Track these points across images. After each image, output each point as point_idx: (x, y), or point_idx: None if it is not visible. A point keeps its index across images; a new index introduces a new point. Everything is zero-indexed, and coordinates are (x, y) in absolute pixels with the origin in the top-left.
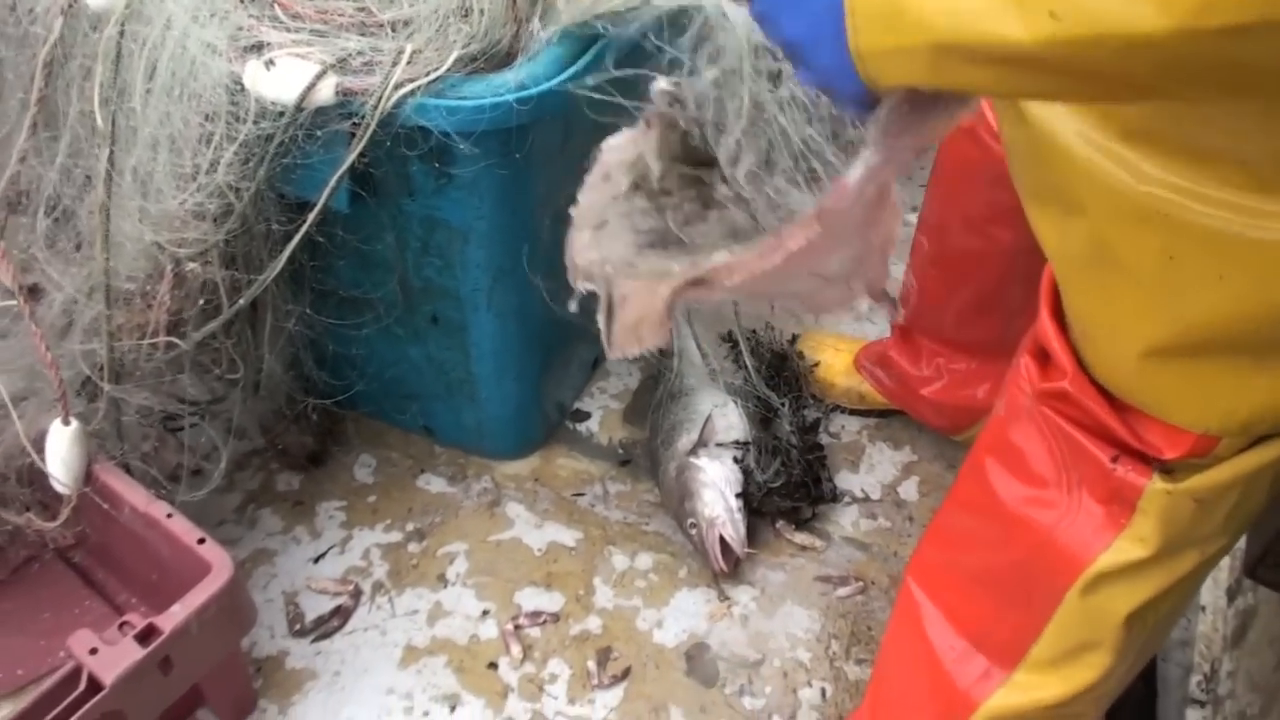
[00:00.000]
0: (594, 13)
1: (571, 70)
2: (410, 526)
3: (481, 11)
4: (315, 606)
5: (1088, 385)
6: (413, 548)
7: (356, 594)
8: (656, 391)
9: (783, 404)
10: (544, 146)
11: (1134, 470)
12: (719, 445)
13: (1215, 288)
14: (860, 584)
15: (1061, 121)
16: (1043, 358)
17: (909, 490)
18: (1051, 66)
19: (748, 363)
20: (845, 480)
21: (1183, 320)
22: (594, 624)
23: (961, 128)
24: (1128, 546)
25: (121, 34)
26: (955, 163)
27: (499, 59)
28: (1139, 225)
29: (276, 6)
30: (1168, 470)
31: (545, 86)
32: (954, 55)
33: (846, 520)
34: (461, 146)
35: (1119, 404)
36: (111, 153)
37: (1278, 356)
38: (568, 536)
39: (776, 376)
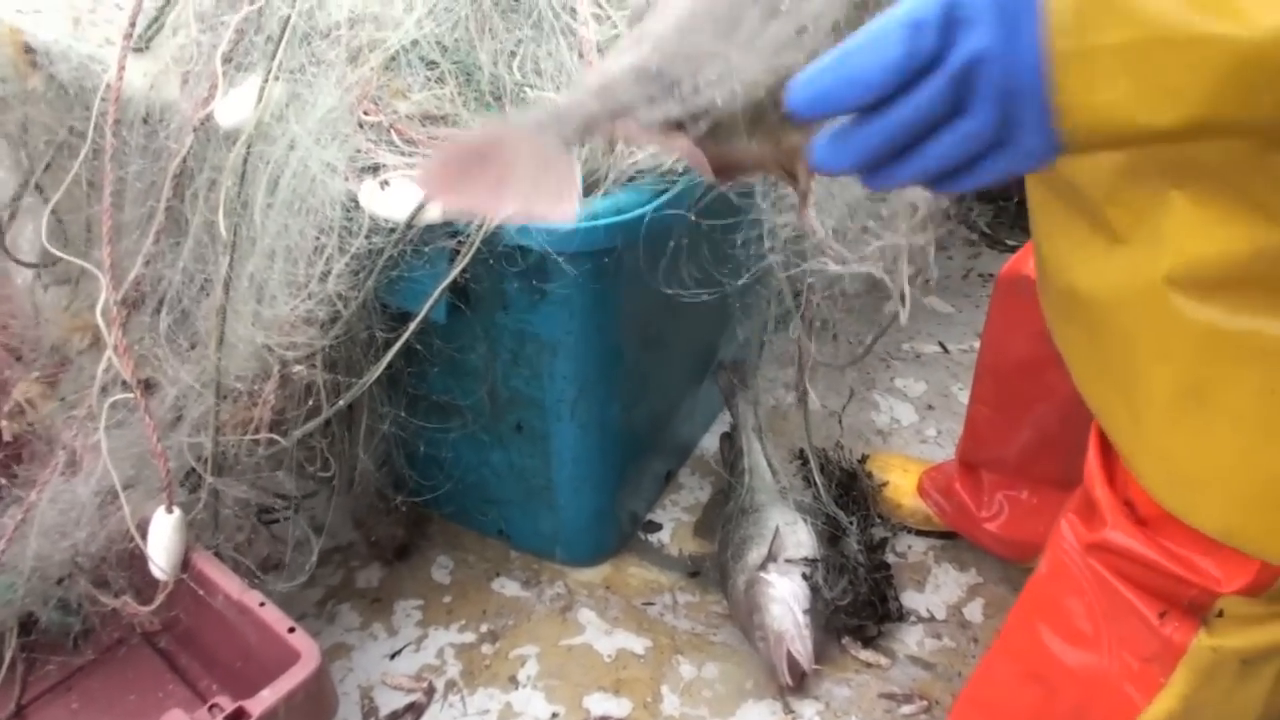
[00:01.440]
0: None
1: (659, 199)
2: (484, 628)
3: (582, 143)
4: (390, 702)
5: (1133, 528)
6: (486, 649)
7: (430, 691)
8: (727, 506)
9: (851, 522)
10: (632, 269)
11: (1181, 626)
12: (788, 561)
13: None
14: (924, 703)
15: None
16: (1087, 513)
17: (973, 612)
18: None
19: (817, 480)
20: (911, 600)
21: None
22: None
23: (1017, 296)
24: (1169, 703)
25: (248, 152)
26: (1007, 311)
27: (593, 186)
28: (1238, 365)
29: (393, 132)
30: (1214, 625)
31: (634, 213)
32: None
33: (911, 639)
34: (556, 264)
35: (1170, 543)
36: (231, 260)
37: None
38: (637, 644)
39: (845, 495)
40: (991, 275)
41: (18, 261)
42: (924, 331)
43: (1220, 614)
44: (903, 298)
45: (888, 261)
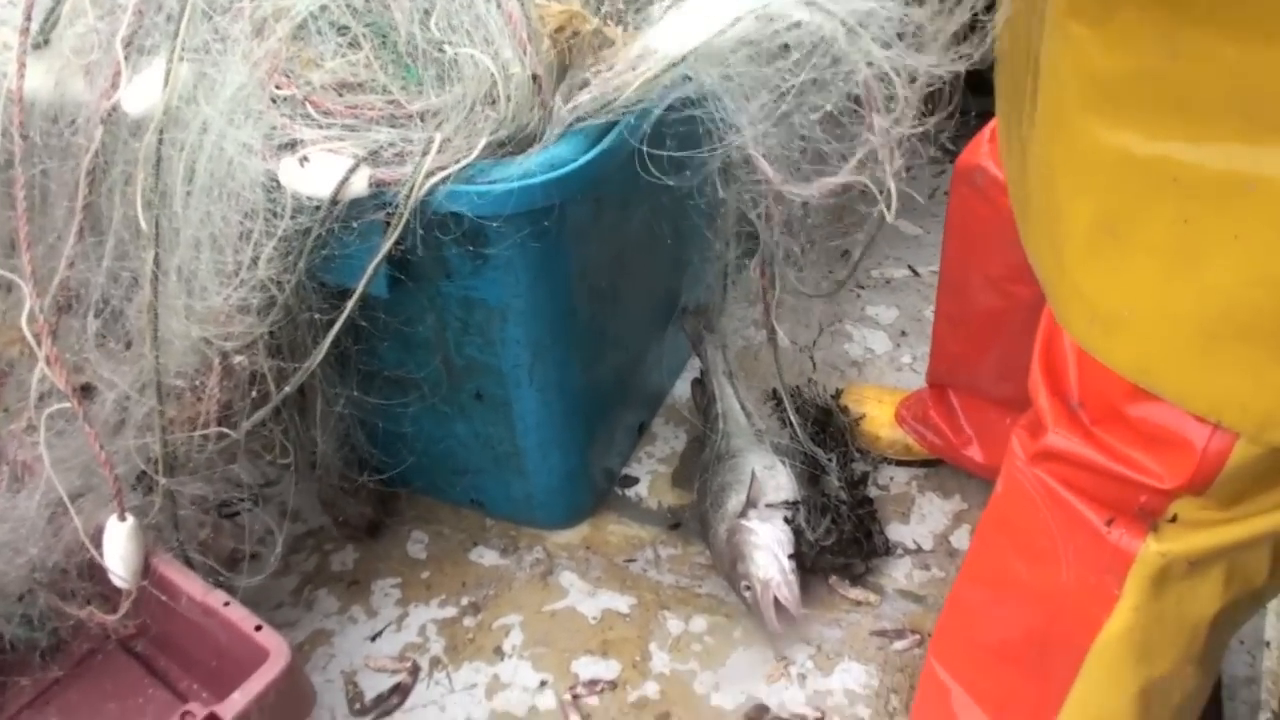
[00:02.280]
0: (607, 108)
1: (595, 151)
2: (465, 600)
3: (508, 98)
4: (374, 685)
5: (1075, 429)
6: (468, 621)
7: (415, 671)
8: (703, 454)
9: (830, 459)
10: (575, 224)
11: (1129, 533)
12: (769, 506)
13: (1231, 249)
14: (917, 636)
15: (1073, 116)
16: (1034, 425)
17: (961, 539)
18: None
19: (792, 420)
20: (896, 532)
21: (1202, 288)
22: (651, 690)
23: (972, 186)
24: (1126, 615)
25: (160, 139)
26: (968, 223)
27: (526, 141)
28: (1150, 194)
29: (308, 104)
30: (1164, 530)
31: (570, 168)
32: None
33: (900, 573)
34: (494, 228)
35: (1116, 441)
36: (156, 254)
37: None
38: (621, 603)
39: (822, 432)
40: None
41: None
42: (892, 256)
43: (1174, 519)
44: (888, 200)
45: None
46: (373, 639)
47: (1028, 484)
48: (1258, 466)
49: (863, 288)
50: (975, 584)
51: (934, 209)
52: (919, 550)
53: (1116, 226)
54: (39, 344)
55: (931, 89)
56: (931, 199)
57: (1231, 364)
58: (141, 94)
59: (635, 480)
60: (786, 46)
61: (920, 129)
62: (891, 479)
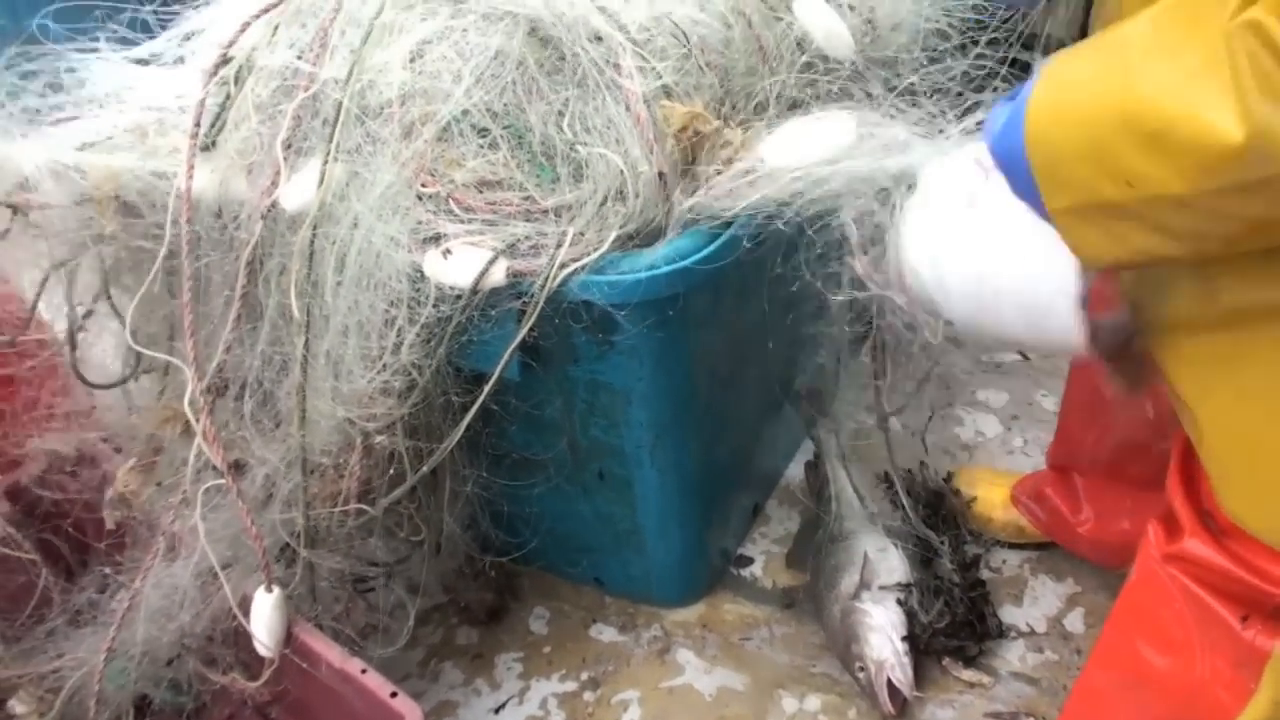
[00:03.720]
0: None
1: (715, 244)
2: (585, 675)
3: (636, 194)
4: None
5: (1209, 539)
6: (588, 696)
7: None
8: (816, 535)
9: (942, 542)
10: (696, 312)
11: (1263, 631)
12: (882, 588)
13: None
14: (1030, 719)
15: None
16: (1170, 522)
17: (1074, 622)
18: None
19: (904, 502)
20: (1009, 615)
21: None
22: None
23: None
24: (1261, 709)
25: (314, 234)
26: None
27: (652, 235)
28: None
29: (451, 201)
30: None
31: (692, 259)
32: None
33: (1013, 655)
34: (621, 316)
35: (1247, 554)
36: (307, 340)
37: None
38: (737, 681)
39: (934, 515)
40: None
41: (87, 383)
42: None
43: None
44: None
45: None
46: (496, 711)
47: (1163, 577)
48: None
49: (974, 372)
50: (1106, 670)
51: None
52: (1032, 633)
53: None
54: (197, 422)
55: None
56: None
57: None
58: (298, 192)
59: (750, 560)
60: None
61: None
62: (1004, 562)
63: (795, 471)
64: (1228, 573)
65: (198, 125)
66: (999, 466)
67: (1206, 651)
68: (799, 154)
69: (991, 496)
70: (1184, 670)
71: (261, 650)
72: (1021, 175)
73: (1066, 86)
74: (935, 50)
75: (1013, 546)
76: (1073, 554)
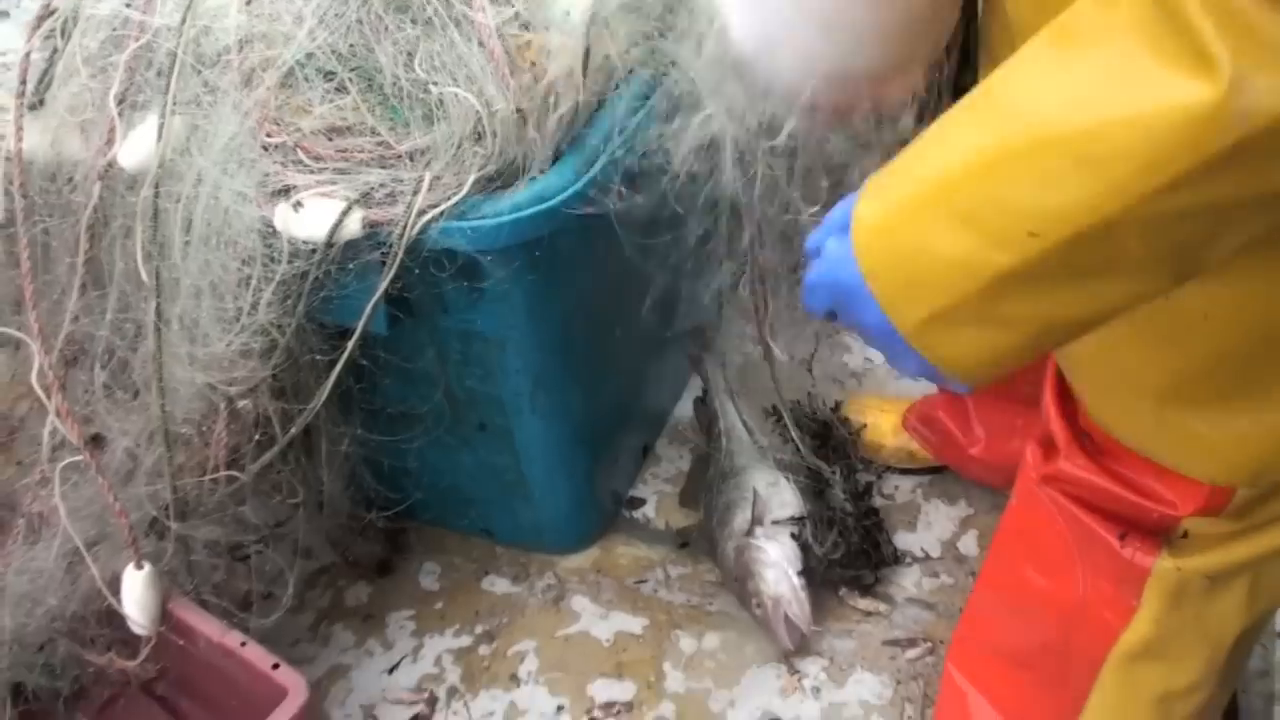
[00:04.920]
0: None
1: (582, 181)
2: (479, 629)
3: (494, 133)
4: (393, 717)
5: (1085, 459)
6: (483, 650)
7: (432, 701)
8: (708, 472)
9: (834, 472)
10: (568, 253)
11: (1142, 548)
12: (775, 523)
13: (1202, 328)
14: (929, 644)
15: None
16: (1047, 442)
17: (968, 544)
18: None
19: (794, 435)
20: (904, 540)
21: (1178, 363)
22: (668, 709)
23: None
24: (1143, 627)
25: (157, 192)
26: None
27: (516, 175)
28: None
29: (299, 150)
30: (1178, 545)
31: (559, 198)
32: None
33: (909, 581)
34: (487, 261)
35: (1125, 470)
36: (158, 304)
37: (1270, 399)
38: (634, 624)
39: (824, 445)
40: None
41: None
42: None
43: (1185, 534)
44: None
45: None
46: (390, 671)
47: (1042, 497)
48: (1269, 489)
49: None
50: (992, 592)
51: None
52: (927, 558)
53: None
54: (49, 398)
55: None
56: None
57: (1214, 426)
58: (136, 149)
59: (642, 502)
60: None
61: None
62: (896, 488)
63: (685, 409)
64: (1105, 490)
65: (24, 83)
66: (888, 393)
67: (1088, 571)
68: None
69: (881, 423)
70: (1067, 590)
71: (136, 629)
72: (861, 308)
73: (904, 175)
74: None
75: (904, 472)
76: (965, 477)
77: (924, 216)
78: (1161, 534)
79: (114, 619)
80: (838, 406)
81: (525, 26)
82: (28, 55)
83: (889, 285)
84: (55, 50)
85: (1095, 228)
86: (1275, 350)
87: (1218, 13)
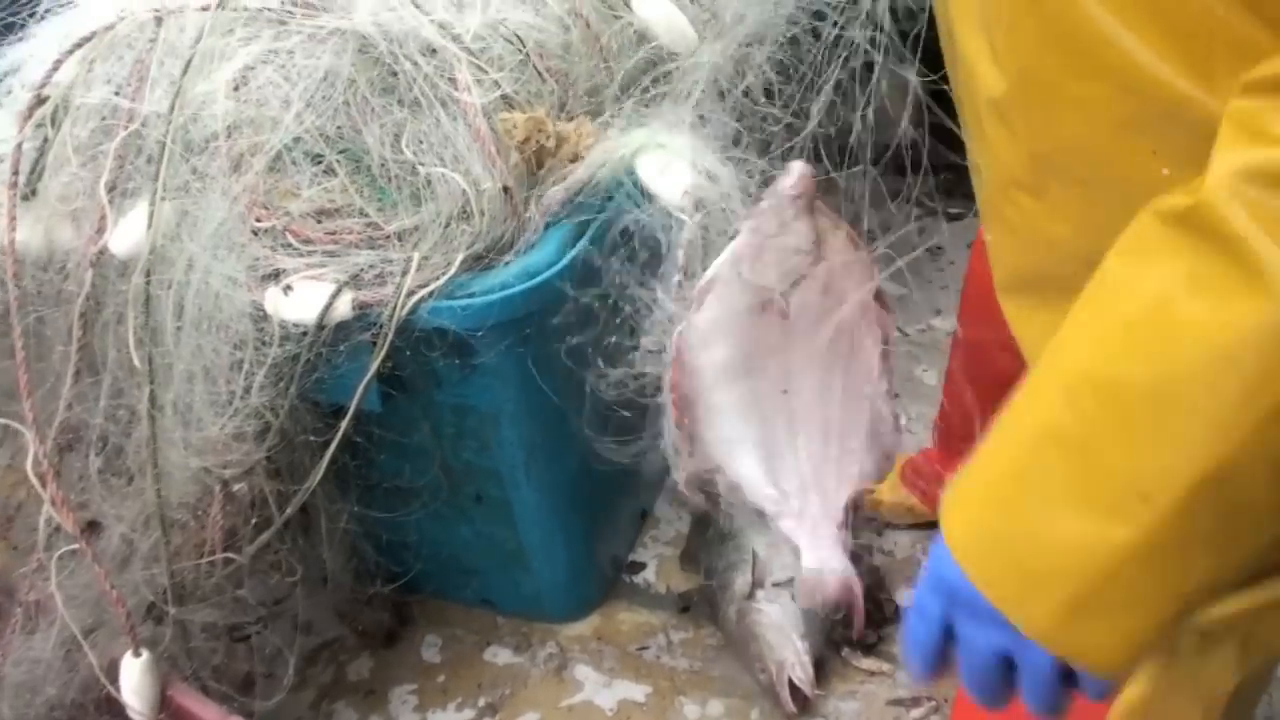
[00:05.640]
0: (571, 189)
1: (568, 257)
2: (482, 701)
3: (482, 212)
4: None
5: None
6: None
7: None
8: (707, 534)
9: None
10: (557, 325)
11: None
12: (775, 585)
13: None
14: (933, 703)
15: None
16: None
17: None
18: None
19: None
20: (905, 597)
21: None
22: None
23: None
24: (1139, 687)
25: (148, 279)
26: (986, 287)
27: (504, 251)
28: None
29: (288, 234)
30: None
31: (545, 275)
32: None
33: None
34: (478, 338)
35: None
36: (151, 390)
37: None
38: (637, 692)
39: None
40: (940, 248)
41: None
42: None
43: None
44: None
45: None
46: None
47: None
48: None
49: None
50: None
51: (916, 268)
52: None
53: None
54: (44, 487)
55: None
56: (913, 258)
57: None
58: (127, 236)
59: (642, 566)
60: None
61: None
62: (896, 544)
63: None
64: None
65: (16, 173)
66: None
67: None
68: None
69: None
70: None
71: (135, 717)
72: (979, 613)
73: (982, 473)
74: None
75: (904, 528)
76: None
77: (1020, 506)
78: None
79: (113, 706)
80: None
81: (510, 106)
82: (19, 146)
83: (1004, 587)
84: (46, 139)
85: (1209, 476)
86: None
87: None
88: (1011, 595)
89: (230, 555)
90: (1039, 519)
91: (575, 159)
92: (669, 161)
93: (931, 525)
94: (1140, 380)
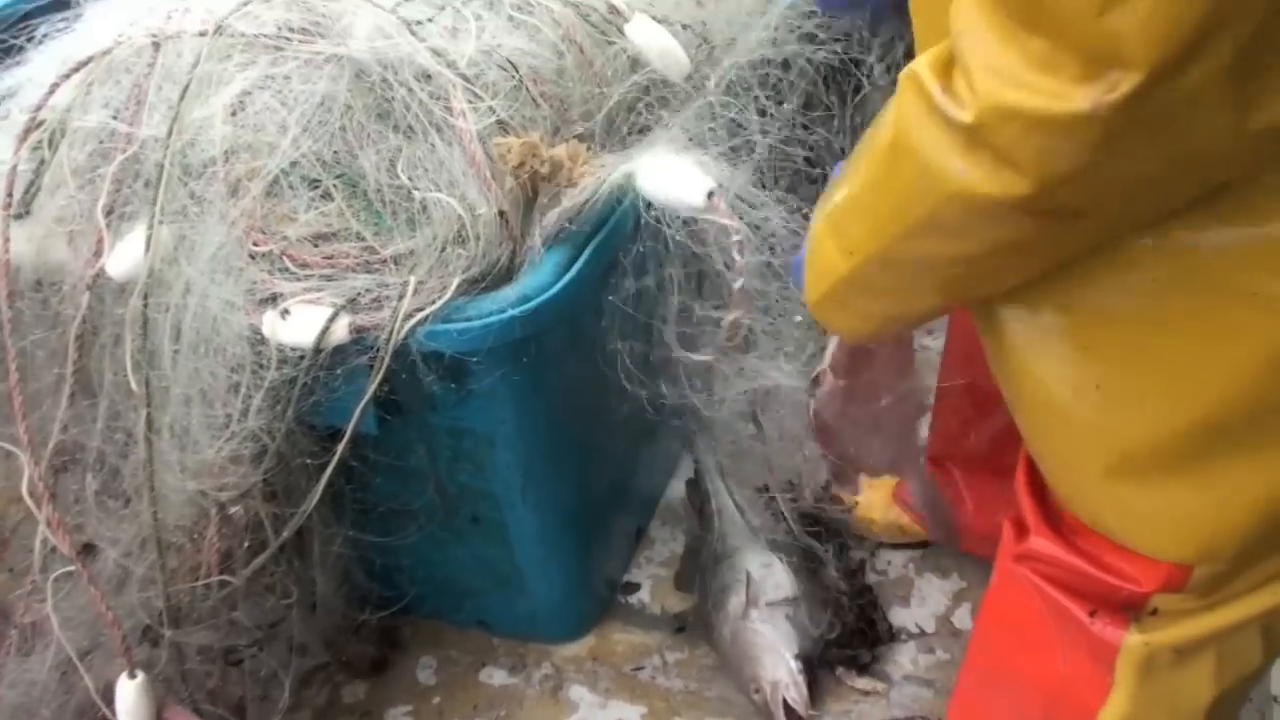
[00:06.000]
0: (567, 214)
1: (564, 280)
2: None
3: (477, 236)
4: None
5: (1055, 537)
6: None
7: None
8: (701, 554)
9: (826, 550)
10: (553, 349)
11: (1111, 624)
12: (769, 605)
13: (1139, 407)
14: None
15: None
16: (1019, 521)
17: (963, 619)
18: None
19: (786, 514)
20: (899, 616)
21: (1120, 440)
22: None
23: None
24: (1119, 704)
25: (145, 302)
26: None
27: (500, 275)
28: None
29: (285, 258)
30: (1146, 621)
31: (541, 299)
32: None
33: (905, 658)
34: (474, 362)
35: (1091, 548)
36: (148, 413)
37: (1215, 477)
38: (633, 713)
39: (816, 523)
40: None
41: None
42: None
43: (1154, 611)
44: None
45: None
46: None
47: (1018, 576)
48: (1228, 565)
49: None
50: (977, 674)
51: None
52: (923, 634)
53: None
54: (39, 509)
55: None
56: None
57: (1161, 506)
58: (124, 259)
59: (637, 586)
60: None
61: None
62: (890, 563)
63: (677, 490)
64: (1075, 568)
65: (9, 194)
66: None
67: (1067, 649)
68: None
69: (872, 498)
70: (1047, 669)
71: None
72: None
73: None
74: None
75: (897, 547)
76: (956, 548)
77: (823, 230)
78: (1131, 610)
79: None
80: (829, 484)
81: (505, 131)
82: (14, 168)
83: (809, 275)
84: (43, 161)
85: (871, 257)
86: (1213, 428)
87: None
88: (808, 281)
89: (226, 578)
90: (824, 246)
91: (570, 183)
92: (681, 169)
93: (924, 544)
94: (861, 185)
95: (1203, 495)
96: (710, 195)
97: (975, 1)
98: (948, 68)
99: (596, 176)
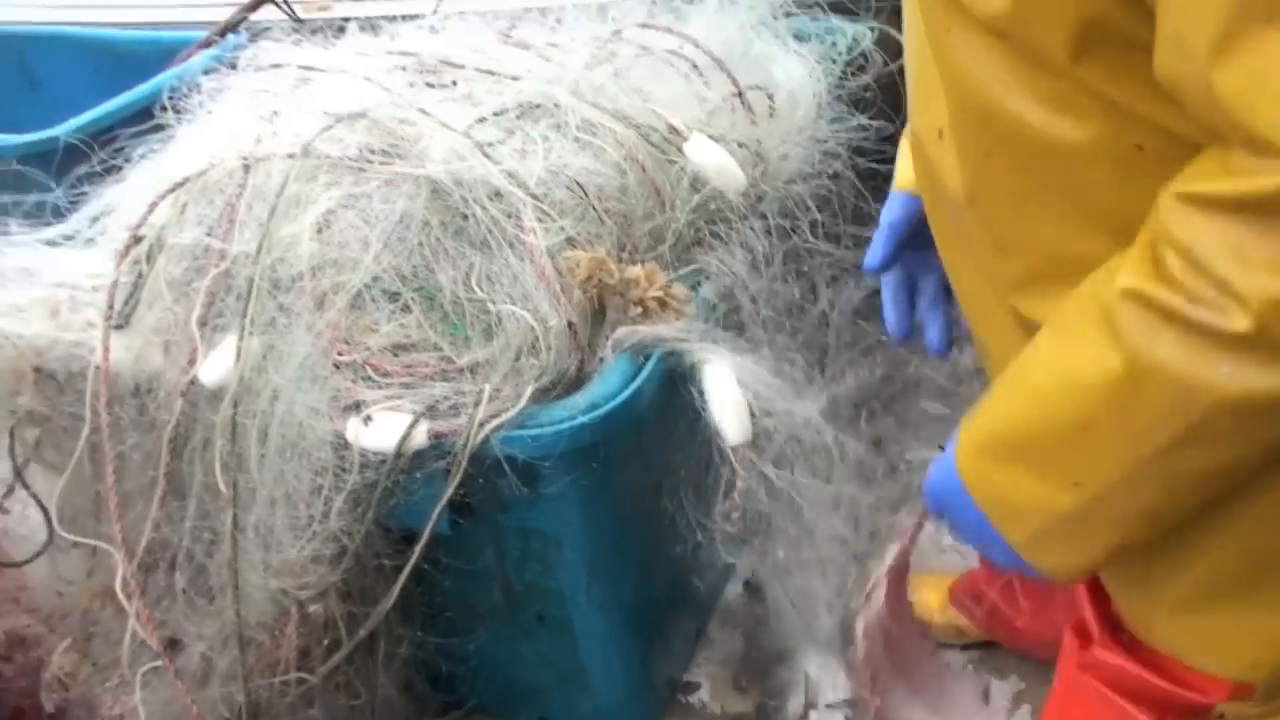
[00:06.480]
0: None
1: (630, 389)
2: None
3: (549, 347)
4: None
5: (1118, 647)
6: None
7: None
8: (760, 654)
9: None
10: (620, 453)
11: None
12: (828, 707)
13: (1210, 539)
14: None
15: None
16: (1082, 630)
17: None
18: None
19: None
20: None
21: (1190, 570)
22: None
23: None
24: None
25: (235, 408)
26: None
27: (569, 384)
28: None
29: (368, 367)
30: None
31: (609, 407)
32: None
33: None
34: (545, 466)
35: (1156, 659)
36: (235, 513)
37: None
38: None
39: None
40: (980, 369)
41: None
42: (922, 438)
43: (1220, 717)
44: None
45: None
46: None
47: (1082, 683)
48: None
49: (896, 469)
50: None
51: (961, 390)
52: None
53: None
54: (130, 604)
55: None
56: (958, 382)
57: (1234, 627)
58: (216, 367)
59: (697, 686)
60: None
61: None
62: (948, 664)
63: (735, 589)
64: (1139, 678)
65: (111, 306)
66: (932, 567)
67: None
68: None
69: (929, 600)
70: None
71: None
72: (968, 519)
73: (984, 428)
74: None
75: (956, 648)
76: (1014, 650)
77: (1007, 470)
78: (1198, 718)
79: None
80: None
81: (573, 246)
82: (116, 281)
83: (996, 514)
84: (140, 275)
85: (1114, 484)
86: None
87: None
88: (998, 520)
89: (303, 675)
90: (1018, 477)
91: (641, 303)
92: (735, 404)
93: (982, 645)
94: (1074, 415)
95: (1272, 618)
96: (738, 448)
97: (1204, 208)
98: (1166, 278)
99: (676, 336)
